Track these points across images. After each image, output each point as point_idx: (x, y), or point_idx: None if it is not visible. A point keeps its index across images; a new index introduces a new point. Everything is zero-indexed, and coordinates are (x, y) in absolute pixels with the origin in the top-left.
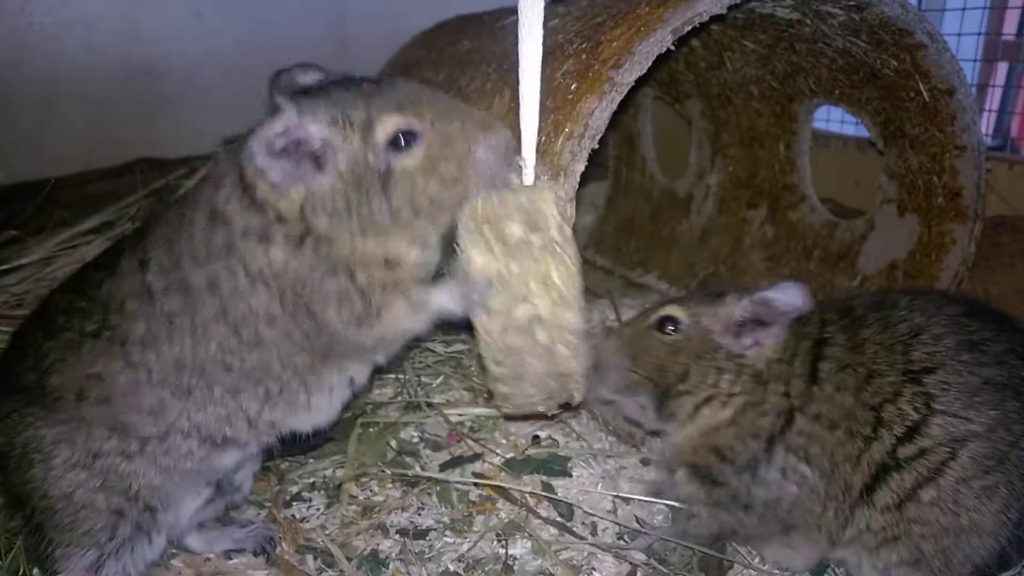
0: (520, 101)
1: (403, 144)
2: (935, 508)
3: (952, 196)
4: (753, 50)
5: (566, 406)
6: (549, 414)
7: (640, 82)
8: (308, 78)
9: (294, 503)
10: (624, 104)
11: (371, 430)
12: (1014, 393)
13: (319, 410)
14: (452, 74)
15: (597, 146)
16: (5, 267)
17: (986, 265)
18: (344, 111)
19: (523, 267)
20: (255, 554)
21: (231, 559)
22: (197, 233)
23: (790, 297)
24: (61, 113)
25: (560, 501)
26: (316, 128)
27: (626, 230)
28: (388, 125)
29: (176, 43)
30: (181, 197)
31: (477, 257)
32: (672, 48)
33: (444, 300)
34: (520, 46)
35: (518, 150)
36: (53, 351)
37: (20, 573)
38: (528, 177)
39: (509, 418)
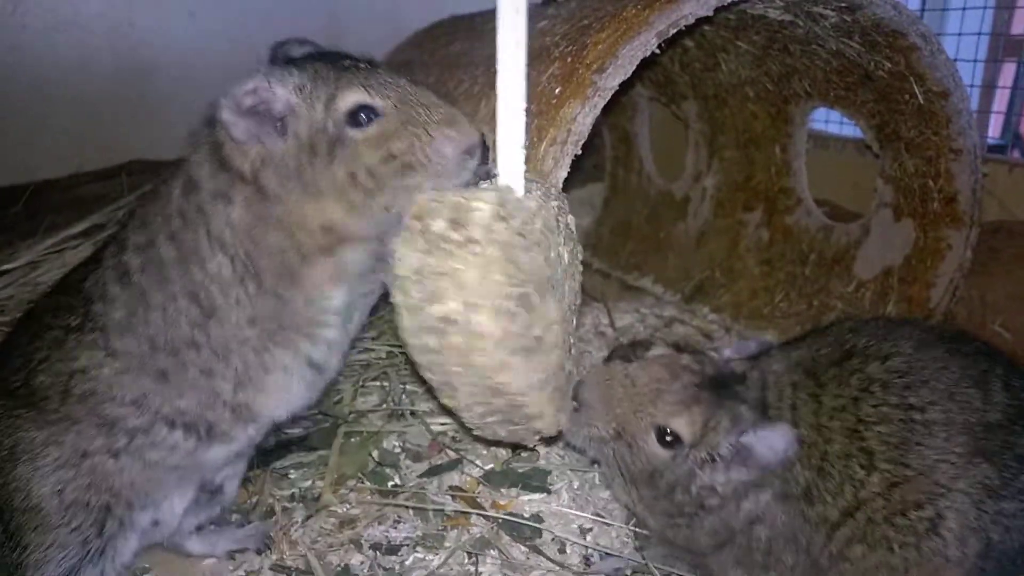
0: (497, 105)
1: (362, 120)
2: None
3: (948, 201)
4: (747, 51)
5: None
6: (528, 445)
7: (635, 83)
8: (301, 51)
9: (274, 514)
10: (620, 105)
11: (353, 440)
12: (963, 427)
13: (284, 391)
14: (442, 76)
15: (580, 152)
16: None
17: (983, 271)
18: (313, 81)
19: (438, 263)
20: (258, 552)
21: (233, 559)
22: (172, 204)
23: (776, 446)
24: (53, 114)
25: (529, 525)
26: (282, 91)
27: (623, 232)
28: (349, 99)
29: (170, 43)
30: (163, 176)
31: (399, 246)
32: (658, 51)
33: (361, 256)
34: (499, 44)
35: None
36: (39, 351)
37: None
38: (501, 179)
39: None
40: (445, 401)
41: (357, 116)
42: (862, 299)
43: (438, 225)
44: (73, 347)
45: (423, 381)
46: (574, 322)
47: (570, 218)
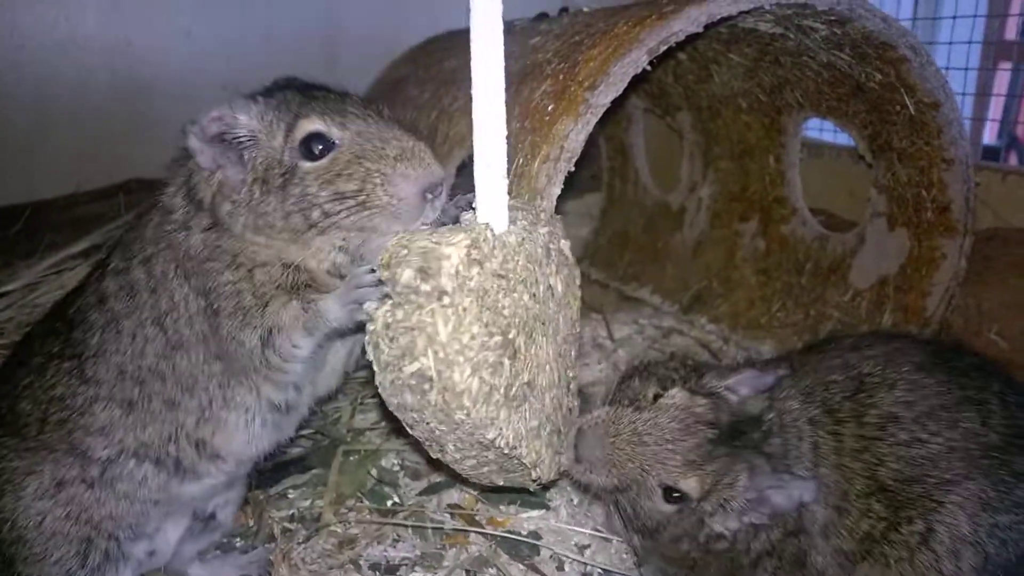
0: (474, 132)
1: (316, 151)
2: None
3: (941, 210)
4: (739, 63)
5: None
6: (531, 489)
7: (630, 95)
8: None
9: (275, 536)
10: (616, 116)
11: (352, 458)
12: (962, 453)
13: (245, 431)
14: (437, 92)
15: (573, 169)
16: None
17: (978, 279)
18: (277, 109)
19: (407, 317)
20: None
21: None
22: (148, 229)
23: (795, 496)
24: (52, 134)
25: (527, 543)
26: (244, 119)
27: (620, 243)
28: (305, 128)
29: (167, 62)
30: (150, 200)
31: (369, 304)
32: (648, 68)
33: (331, 306)
34: (474, 72)
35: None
36: (24, 377)
37: None
38: (480, 215)
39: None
40: (434, 455)
41: (311, 147)
42: (858, 308)
43: (406, 275)
44: (52, 374)
45: None
46: (573, 354)
47: (564, 243)
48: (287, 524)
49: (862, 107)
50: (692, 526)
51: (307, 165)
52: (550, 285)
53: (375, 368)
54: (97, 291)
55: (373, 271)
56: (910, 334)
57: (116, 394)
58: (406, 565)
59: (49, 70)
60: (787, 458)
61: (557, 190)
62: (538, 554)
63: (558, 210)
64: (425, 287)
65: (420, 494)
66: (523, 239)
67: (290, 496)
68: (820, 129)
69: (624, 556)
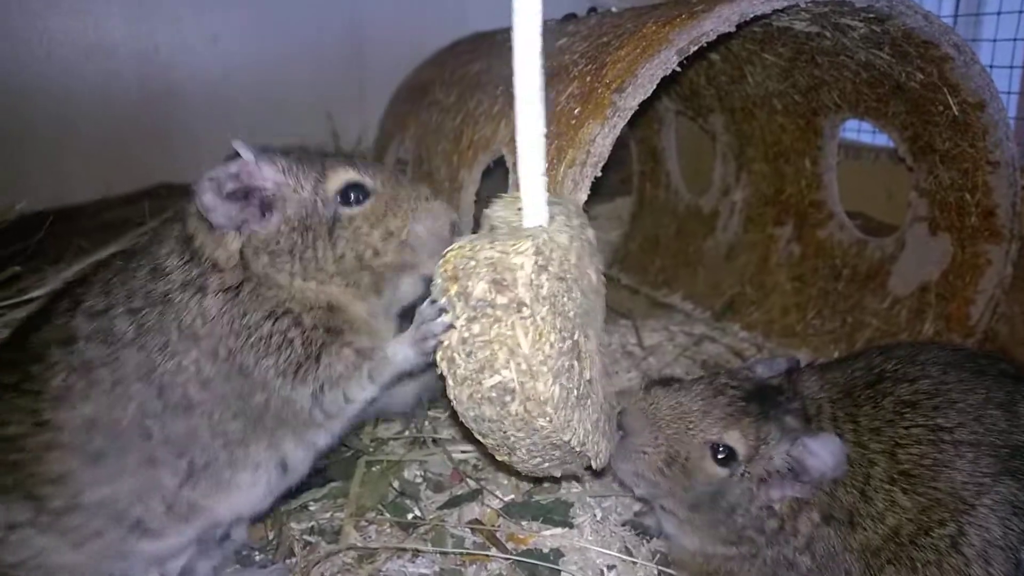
0: (516, 131)
1: (353, 199)
2: None
3: (986, 215)
4: (774, 63)
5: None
6: (579, 476)
7: (661, 96)
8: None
9: (294, 551)
10: (647, 119)
11: (374, 469)
12: (990, 448)
13: (242, 491)
14: (462, 95)
15: (600, 174)
16: (12, 301)
17: None
18: (299, 163)
19: (485, 331)
20: None
21: None
22: (136, 283)
23: (826, 459)
24: (81, 140)
25: (548, 566)
26: (270, 171)
27: (651, 247)
28: (340, 178)
29: (193, 68)
30: (129, 249)
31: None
32: (678, 69)
33: (400, 348)
34: (516, 73)
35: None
36: None
37: None
38: (528, 218)
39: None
40: (501, 458)
41: (348, 195)
42: (898, 316)
43: (479, 288)
44: (5, 410)
45: (447, 407)
46: (606, 339)
47: (590, 232)
48: (307, 537)
49: (902, 108)
50: (744, 495)
51: (353, 211)
52: (591, 277)
53: (449, 382)
54: (65, 328)
55: (434, 301)
56: (943, 343)
57: (80, 444)
58: None
59: (77, 76)
60: (810, 422)
61: (584, 195)
62: (559, 573)
63: (587, 214)
64: (502, 299)
65: (441, 507)
66: (571, 237)
67: (311, 508)
68: (858, 131)
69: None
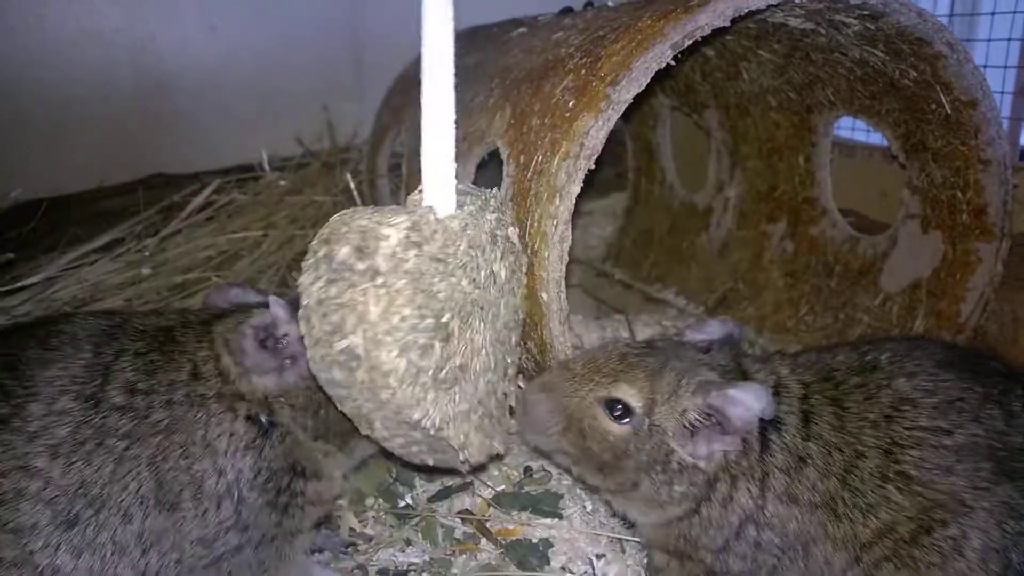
0: (422, 117)
1: None
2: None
3: (977, 213)
4: (769, 60)
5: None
6: (462, 471)
7: (657, 92)
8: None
9: None
10: (642, 114)
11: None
12: (988, 451)
13: None
14: (457, 88)
15: (593, 167)
16: (4, 288)
17: (1014, 285)
18: None
19: (340, 294)
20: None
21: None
22: (176, 374)
23: (750, 404)
24: (76, 129)
25: (536, 553)
26: (295, 329)
27: (645, 243)
28: None
29: (191, 58)
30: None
31: (304, 277)
32: (672, 63)
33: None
34: (424, 52)
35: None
36: None
37: None
38: (426, 199)
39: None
40: (364, 432)
41: None
42: (889, 313)
43: (343, 252)
44: None
45: None
46: (514, 340)
47: (512, 230)
48: None
49: (896, 105)
50: (656, 450)
51: None
52: (493, 271)
53: (307, 343)
54: (93, 385)
55: None
56: (931, 339)
57: (58, 503)
58: (414, 571)
59: (73, 65)
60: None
61: (577, 188)
62: (548, 564)
63: (582, 209)
64: (360, 265)
65: (432, 498)
66: (466, 224)
67: None
68: (852, 128)
69: (639, 568)
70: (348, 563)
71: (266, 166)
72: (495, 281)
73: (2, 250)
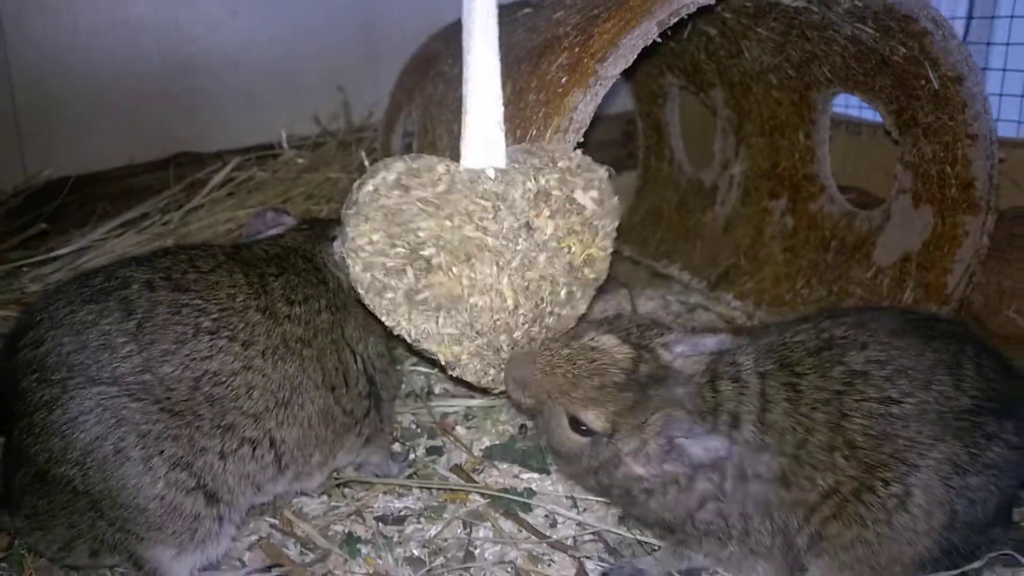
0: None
1: None
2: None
3: (964, 186)
4: (767, 38)
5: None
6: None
7: (666, 72)
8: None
9: None
10: (652, 94)
11: None
12: (935, 416)
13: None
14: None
15: (582, 139)
16: (39, 258)
17: (1001, 257)
18: None
19: (344, 214)
20: None
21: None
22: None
23: (712, 449)
24: (105, 110)
25: (521, 501)
26: None
27: (653, 220)
28: None
29: (213, 41)
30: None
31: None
32: (659, 40)
33: None
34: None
35: None
36: (159, 342)
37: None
38: (465, 155)
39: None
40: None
41: None
42: (880, 286)
43: (362, 188)
44: (207, 347)
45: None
46: (563, 294)
47: (580, 192)
48: None
49: (888, 82)
50: (608, 461)
51: None
52: (528, 224)
53: None
54: (265, 303)
55: None
56: (891, 307)
57: (274, 391)
58: (410, 516)
59: (101, 49)
60: (717, 414)
61: None
62: (531, 511)
63: None
64: (354, 196)
65: (428, 451)
66: (492, 179)
67: None
68: (859, 107)
69: (615, 512)
70: (346, 508)
71: (284, 144)
72: (531, 234)
73: (36, 222)
